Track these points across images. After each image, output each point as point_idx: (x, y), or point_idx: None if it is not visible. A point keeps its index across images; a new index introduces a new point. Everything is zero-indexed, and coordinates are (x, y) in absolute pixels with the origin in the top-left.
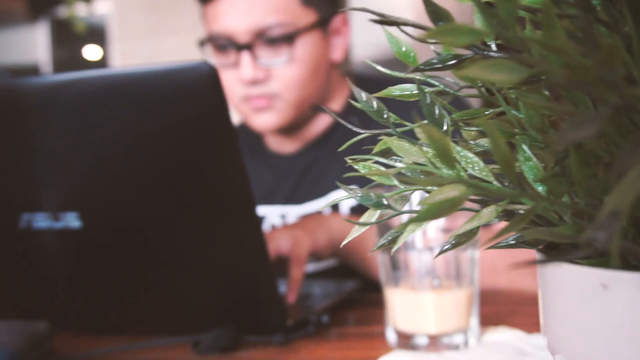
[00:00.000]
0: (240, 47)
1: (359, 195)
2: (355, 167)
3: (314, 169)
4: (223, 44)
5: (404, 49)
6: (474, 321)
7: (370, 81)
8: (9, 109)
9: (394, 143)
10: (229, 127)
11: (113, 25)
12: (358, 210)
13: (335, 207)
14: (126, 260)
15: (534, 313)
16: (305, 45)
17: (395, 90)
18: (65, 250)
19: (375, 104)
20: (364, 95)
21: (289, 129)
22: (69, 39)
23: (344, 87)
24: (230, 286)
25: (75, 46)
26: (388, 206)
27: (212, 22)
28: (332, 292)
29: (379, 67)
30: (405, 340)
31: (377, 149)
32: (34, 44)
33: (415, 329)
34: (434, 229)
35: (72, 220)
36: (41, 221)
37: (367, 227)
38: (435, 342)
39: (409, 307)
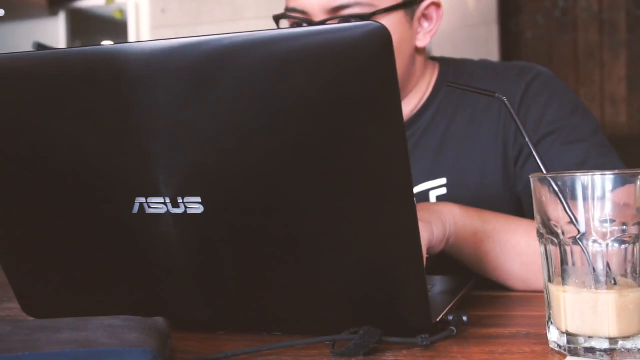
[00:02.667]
0: (314, 26)
1: None
2: None
3: None
4: (298, 21)
5: None
6: None
7: (455, 64)
8: (116, 79)
9: None
10: (397, 98)
11: (153, 13)
12: (446, 200)
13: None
14: (253, 250)
15: None
16: None
17: None
18: (183, 239)
19: None
20: None
21: None
22: (86, 30)
23: (428, 73)
24: (373, 279)
25: (93, 38)
26: None
27: None
28: (446, 289)
29: None
30: (578, 345)
31: None
32: (53, 36)
33: (592, 332)
34: (599, 219)
35: (192, 206)
36: (157, 207)
37: None
38: (614, 346)
39: (584, 308)
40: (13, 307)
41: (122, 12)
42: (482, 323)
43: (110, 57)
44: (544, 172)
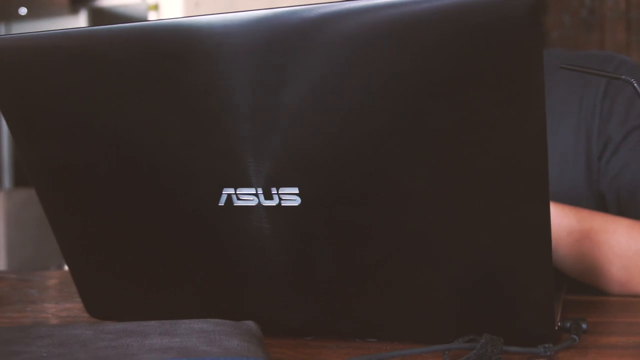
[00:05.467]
0: None
1: None
2: None
3: None
4: None
5: None
6: None
7: None
8: (202, 55)
9: None
10: (541, 74)
11: (186, 6)
12: None
13: None
14: (354, 247)
15: None
16: None
17: None
18: (276, 234)
19: None
20: None
21: None
22: None
23: None
24: (490, 282)
25: None
26: None
27: None
28: None
29: None
30: None
31: None
32: None
33: None
34: None
35: (288, 197)
36: (247, 198)
37: None
38: None
39: None
40: (71, 307)
41: (157, 5)
42: (597, 331)
43: (195, 31)
44: None
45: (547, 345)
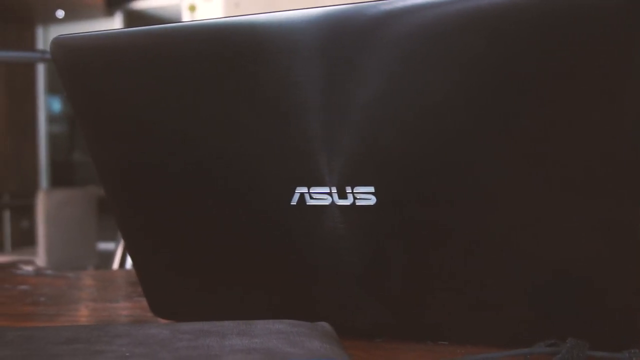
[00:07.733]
0: None
1: None
2: None
3: None
4: None
5: None
6: None
7: None
8: (273, 51)
9: None
10: (638, 70)
11: (226, 7)
12: None
13: None
14: (430, 248)
15: None
16: None
17: None
18: (349, 235)
19: None
20: None
21: None
22: None
23: None
24: (574, 283)
25: None
26: None
27: None
28: None
29: None
30: None
31: None
32: None
33: None
34: None
35: (363, 197)
36: (320, 197)
37: None
38: None
39: None
40: (132, 306)
41: (195, 7)
42: None
43: (267, 29)
44: None
45: (633, 351)
